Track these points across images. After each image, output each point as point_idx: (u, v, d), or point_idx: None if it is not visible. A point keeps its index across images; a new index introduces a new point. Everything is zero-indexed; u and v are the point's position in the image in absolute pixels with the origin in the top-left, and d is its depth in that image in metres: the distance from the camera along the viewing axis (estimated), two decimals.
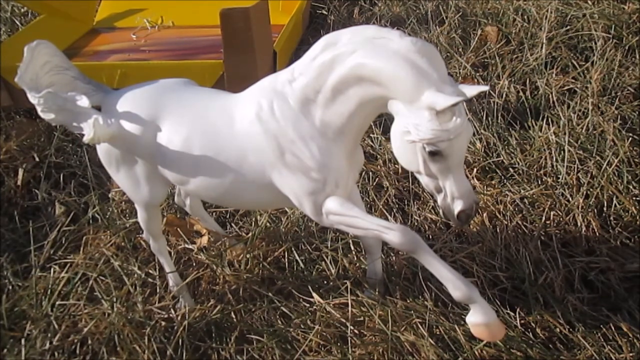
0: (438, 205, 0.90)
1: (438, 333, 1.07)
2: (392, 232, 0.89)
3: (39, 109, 0.89)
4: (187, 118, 0.97)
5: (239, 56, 1.71)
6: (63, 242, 1.42)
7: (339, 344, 1.08)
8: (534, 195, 1.38)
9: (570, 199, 1.36)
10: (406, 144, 0.84)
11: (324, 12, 2.60)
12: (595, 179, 1.39)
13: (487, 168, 1.52)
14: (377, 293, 1.14)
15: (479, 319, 0.88)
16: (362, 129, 0.92)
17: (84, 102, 0.94)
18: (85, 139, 0.97)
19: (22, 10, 2.52)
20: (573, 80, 1.82)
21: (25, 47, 0.80)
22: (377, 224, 0.91)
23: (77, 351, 1.14)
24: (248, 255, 1.30)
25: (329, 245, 1.29)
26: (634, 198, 1.35)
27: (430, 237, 1.34)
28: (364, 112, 0.87)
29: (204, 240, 1.38)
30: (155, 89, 1.03)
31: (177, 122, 0.97)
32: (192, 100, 1.00)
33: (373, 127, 1.68)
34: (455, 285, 0.88)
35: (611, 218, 1.31)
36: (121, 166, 1.05)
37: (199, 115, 0.97)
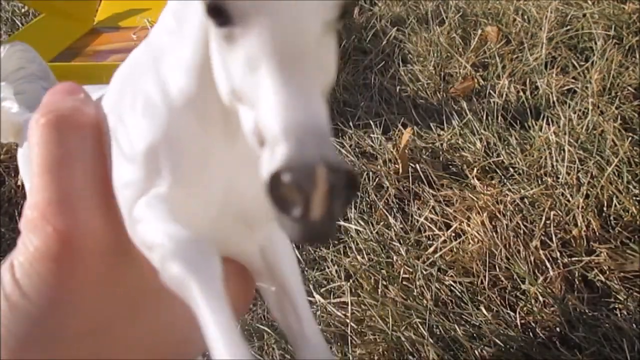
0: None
1: (438, 333, 1.07)
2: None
3: None
4: None
5: None
6: None
7: (339, 344, 1.08)
8: (534, 195, 1.38)
9: (570, 199, 1.36)
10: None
11: None
12: (595, 179, 1.40)
13: (487, 168, 1.52)
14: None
15: None
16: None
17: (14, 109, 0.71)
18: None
19: (23, 10, 2.52)
20: (573, 80, 1.82)
21: (5, 46, 0.75)
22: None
23: None
24: None
25: (330, 247, 1.29)
26: (634, 198, 1.35)
27: (430, 237, 1.34)
28: None
29: None
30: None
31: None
32: None
33: (373, 126, 1.68)
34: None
35: (611, 218, 1.32)
36: None
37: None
